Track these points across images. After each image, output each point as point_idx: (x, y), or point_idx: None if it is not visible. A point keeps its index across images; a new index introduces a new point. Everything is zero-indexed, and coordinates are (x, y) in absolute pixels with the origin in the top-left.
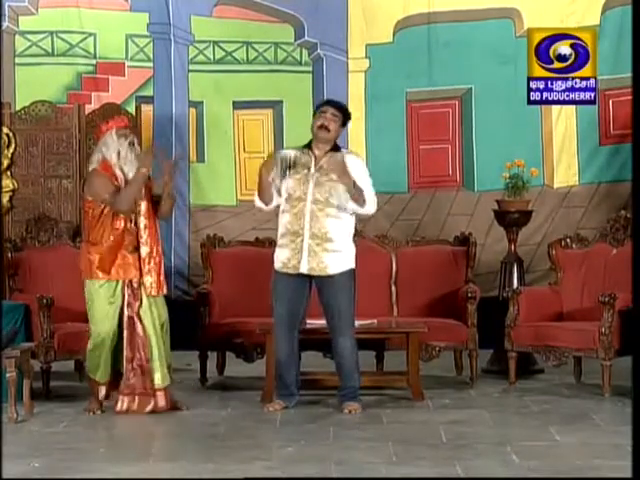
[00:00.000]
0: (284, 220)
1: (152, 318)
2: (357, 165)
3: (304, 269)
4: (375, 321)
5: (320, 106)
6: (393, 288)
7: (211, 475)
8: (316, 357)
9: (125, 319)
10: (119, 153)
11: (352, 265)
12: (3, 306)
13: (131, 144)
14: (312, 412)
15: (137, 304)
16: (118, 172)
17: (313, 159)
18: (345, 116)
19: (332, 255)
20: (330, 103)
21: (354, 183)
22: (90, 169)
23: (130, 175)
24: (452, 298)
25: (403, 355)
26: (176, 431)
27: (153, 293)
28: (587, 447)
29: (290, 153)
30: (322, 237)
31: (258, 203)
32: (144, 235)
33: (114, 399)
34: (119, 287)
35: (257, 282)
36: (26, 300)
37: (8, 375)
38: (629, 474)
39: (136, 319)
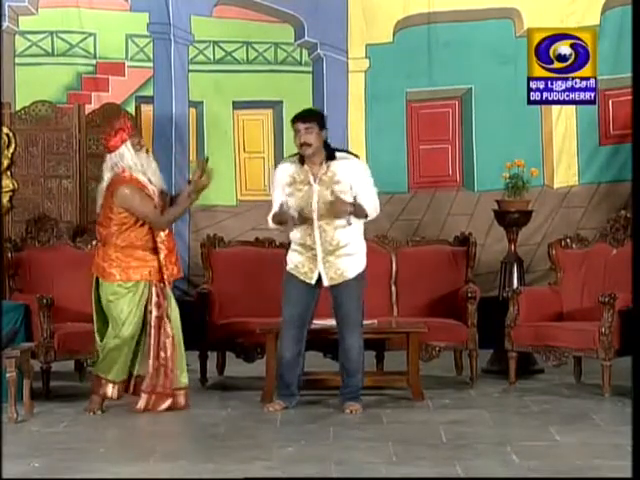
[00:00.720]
0: (295, 235)
1: (175, 317)
2: (358, 170)
3: (325, 282)
4: (375, 321)
5: (292, 124)
6: (393, 288)
7: (211, 475)
8: (316, 357)
9: (153, 319)
10: (143, 166)
11: (364, 265)
12: (3, 306)
13: (146, 152)
14: (312, 412)
15: (166, 303)
16: (151, 187)
17: (310, 174)
18: (319, 119)
19: (347, 259)
20: (298, 118)
21: (352, 204)
22: (110, 176)
23: (158, 183)
24: (452, 298)
25: (403, 355)
26: (176, 431)
27: (177, 275)
28: (587, 447)
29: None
30: (335, 247)
31: (274, 226)
32: (164, 236)
33: (124, 400)
34: (145, 288)
35: (257, 282)
36: (26, 300)
37: (8, 375)
38: (629, 474)
39: (165, 319)
